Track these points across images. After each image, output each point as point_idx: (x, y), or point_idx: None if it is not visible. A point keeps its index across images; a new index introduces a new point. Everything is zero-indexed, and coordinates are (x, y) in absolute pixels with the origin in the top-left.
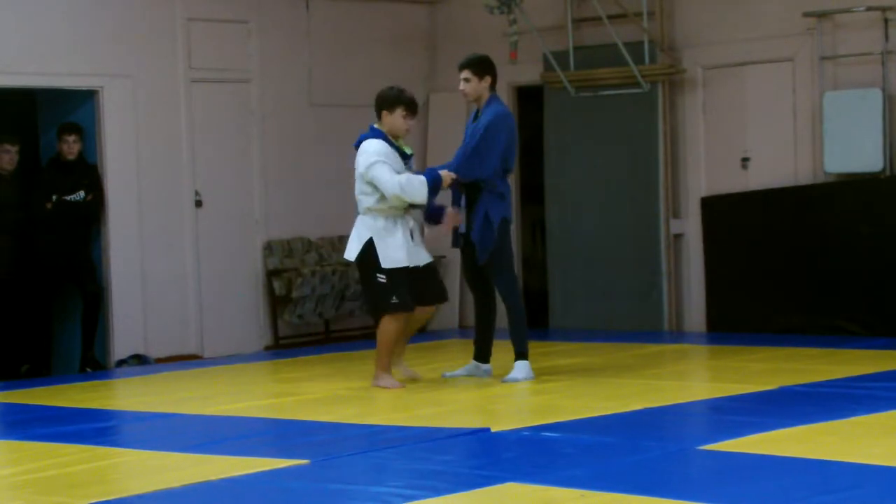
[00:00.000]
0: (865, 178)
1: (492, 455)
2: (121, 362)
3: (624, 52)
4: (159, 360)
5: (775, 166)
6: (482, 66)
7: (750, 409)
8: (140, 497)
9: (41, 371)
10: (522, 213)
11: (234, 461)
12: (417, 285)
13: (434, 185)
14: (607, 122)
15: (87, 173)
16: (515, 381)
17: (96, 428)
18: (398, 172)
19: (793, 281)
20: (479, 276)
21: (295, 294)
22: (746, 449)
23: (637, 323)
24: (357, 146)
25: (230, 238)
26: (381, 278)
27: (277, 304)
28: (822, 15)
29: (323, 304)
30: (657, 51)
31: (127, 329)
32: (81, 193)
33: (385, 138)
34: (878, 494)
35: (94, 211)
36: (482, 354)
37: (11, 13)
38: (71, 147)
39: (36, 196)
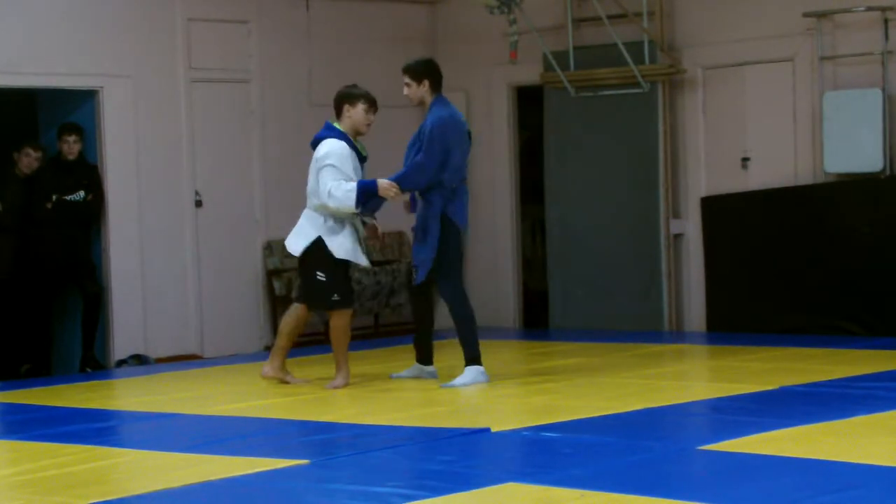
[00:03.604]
0: (865, 178)
1: (492, 455)
2: (121, 362)
3: (624, 52)
4: (159, 360)
5: (775, 166)
6: (418, 71)
7: (750, 409)
8: (140, 497)
9: (41, 371)
10: (522, 213)
11: (234, 461)
12: None
13: (365, 193)
14: (607, 122)
15: (88, 173)
16: (454, 386)
17: (96, 428)
18: (354, 177)
19: (793, 281)
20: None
21: (295, 294)
22: (746, 449)
23: (637, 323)
24: (314, 145)
25: (230, 238)
26: (321, 276)
27: (277, 304)
28: (822, 15)
29: None
30: (657, 51)
31: (127, 329)
32: (81, 193)
33: (345, 138)
34: (878, 494)
35: (94, 211)
36: (424, 356)
37: (11, 13)
38: (71, 147)
39: (36, 196)
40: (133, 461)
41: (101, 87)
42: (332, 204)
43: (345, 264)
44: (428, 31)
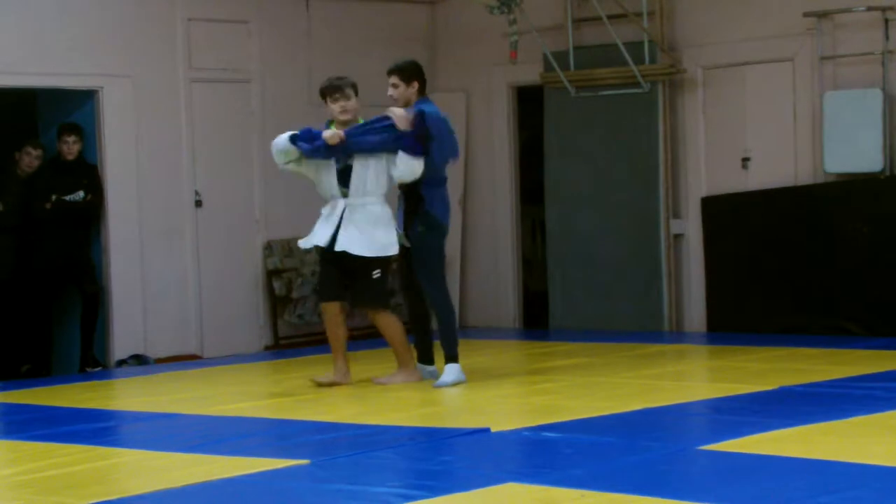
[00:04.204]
0: (865, 178)
1: (492, 455)
2: (121, 362)
3: (624, 52)
4: (159, 360)
5: (775, 166)
6: (409, 72)
7: (750, 409)
8: (140, 497)
9: (41, 371)
10: (522, 213)
11: (234, 461)
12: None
13: (306, 134)
14: (607, 122)
15: (87, 173)
16: (446, 384)
17: (96, 428)
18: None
19: (793, 281)
20: (414, 280)
21: (295, 294)
22: (746, 449)
23: (637, 323)
24: None
25: (230, 238)
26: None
27: (277, 304)
28: (822, 15)
29: None
30: (657, 51)
31: (127, 329)
32: (81, 193)
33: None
34: (878, 494)
35: (94, 211)
36: (425, 356)
37: (11, 13)
38: (71, 147)
39: (35, 196)
40: (133, 461)
41: (101, 87)
42: (274, 150)
43: (330, 257)
44: (428, 31)
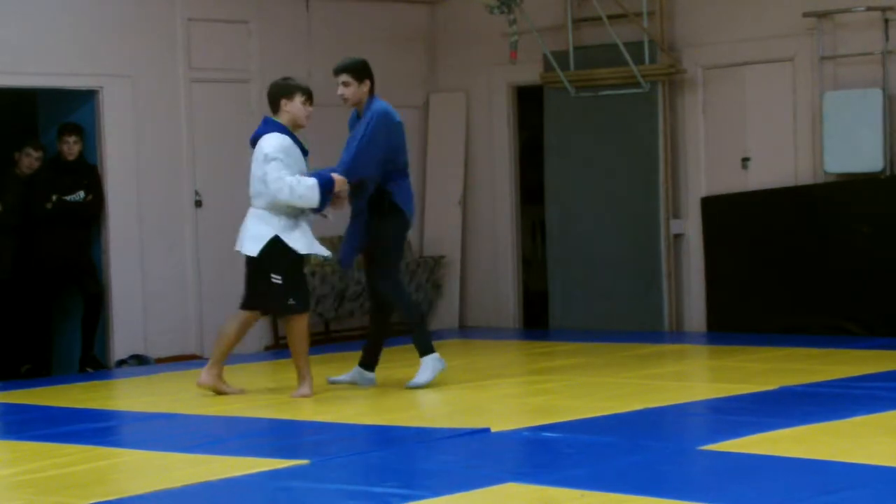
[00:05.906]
0: (865, 178)
1: (492, 455)
2: (121, 362)
3: (624, 52)
4: (159, 360)
5: (775, 166)
6: (361, 71)
7: (750, 409)
8: (140, 497)
9: (41, 371)
10: (522, 213)
11: (234, 461)
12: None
13: (326, 189)
14: (607, 122)
15: (87, 173)
16: (419, 385)
17: (96, 428)
18: (300, 172)
19: (793, 281)
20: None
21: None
22: (746, 449)
23: (637, 323)
24: (253, 143)
25: (230, 238)
26: (276, 279)
27: None
28: (822, 15)
29: (323, 304)
30: (657, 51)
31: (127, 329)
32: (81, 194)
33: (286, 132)
34: (878, 494)
35: (94, 211)
36: (368, 362)
37: (11, 13)
38: (71, 148)
39: (36, 196)
40: (133, 461)
41: (101, 87)
42: (298, 201)
43: (300, 266)
44: (428, 31)
